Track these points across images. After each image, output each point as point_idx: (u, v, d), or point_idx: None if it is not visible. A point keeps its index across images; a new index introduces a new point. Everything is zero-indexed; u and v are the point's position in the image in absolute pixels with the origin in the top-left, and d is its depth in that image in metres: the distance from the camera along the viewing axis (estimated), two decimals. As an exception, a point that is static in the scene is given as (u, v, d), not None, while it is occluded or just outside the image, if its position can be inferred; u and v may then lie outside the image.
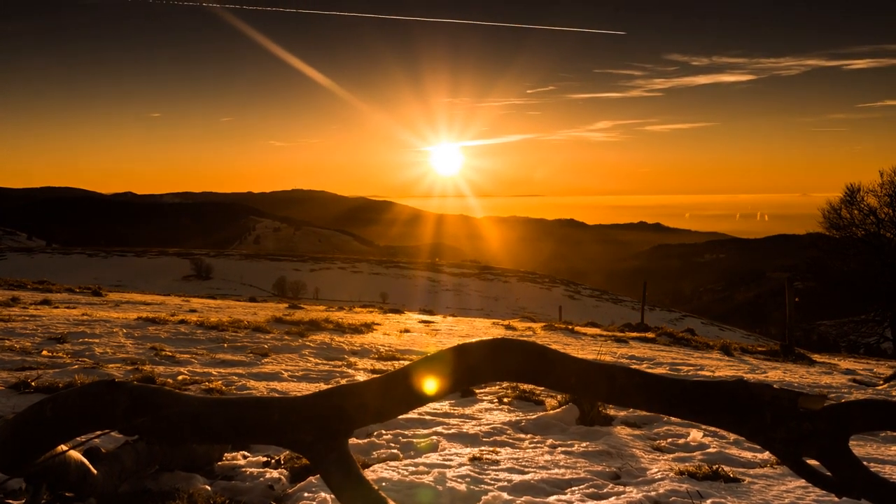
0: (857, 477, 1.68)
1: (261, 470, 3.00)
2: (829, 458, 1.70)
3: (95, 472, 2.52)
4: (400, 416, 3.93)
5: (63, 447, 2.30)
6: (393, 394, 1.79)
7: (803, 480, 1.96)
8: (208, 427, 1.84)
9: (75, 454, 2.48)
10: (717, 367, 7.94)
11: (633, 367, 7.83)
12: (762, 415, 1.72)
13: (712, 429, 3.98)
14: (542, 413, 4.23)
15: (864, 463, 3.53)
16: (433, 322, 11.72)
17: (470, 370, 1.81)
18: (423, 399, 1.80)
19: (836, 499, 1.75)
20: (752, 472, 3.25)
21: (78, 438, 2.99)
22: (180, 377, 4.69)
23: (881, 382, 7.60)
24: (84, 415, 2.03)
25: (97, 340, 6.06)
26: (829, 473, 1.74)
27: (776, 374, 7.73)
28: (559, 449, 3.48)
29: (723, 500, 2.78)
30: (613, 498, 2.76)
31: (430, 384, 1.74)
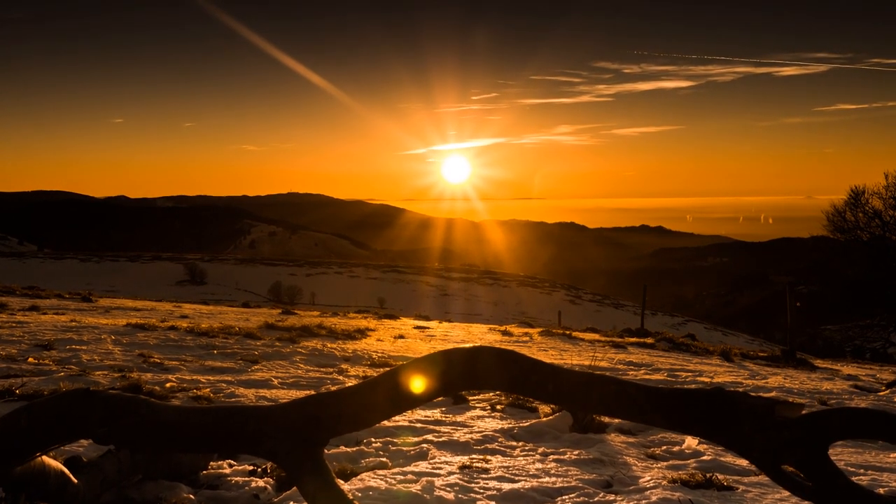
0: (837, 486, 1.65)
1: (246, 479, 2.95)
2: (808, 467, 1.67)
3: (76, 481, 2.47)
4: (390, 424, 3.90)
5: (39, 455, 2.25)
6: (368, 403, 1.75)
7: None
8: (184, 436, 1.80)
9: (55, 463, 2.43)
10: (716, 372, 7.90)
11: (630, 373, 7.75)
12: (740, 423, 1.69)
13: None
14: (535, 420, 4.19)
15: (862, 470, 3.51)
16: (429, 328, 11.66)
17: (448, 379, 1.77)
18: (400, 408, 1.76)
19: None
20: (746, 479, 3.21)
21: (63, 447, 2.94)
22: (168, 384, 4.62)
23: (883, 388, 7.55)
24: (59, 424, 1.98)
25: (85, 347, 5.98)
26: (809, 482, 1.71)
27: (776, 379, 7.69)
28: (551, 457, 3.44)
29: (716, 509, 2.73)
30: (605, 507, 2.71)
31: (406, 393, 1.70)
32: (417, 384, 1.73)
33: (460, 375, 1.77)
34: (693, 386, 6.47)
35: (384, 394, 1.76)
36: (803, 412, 1.72)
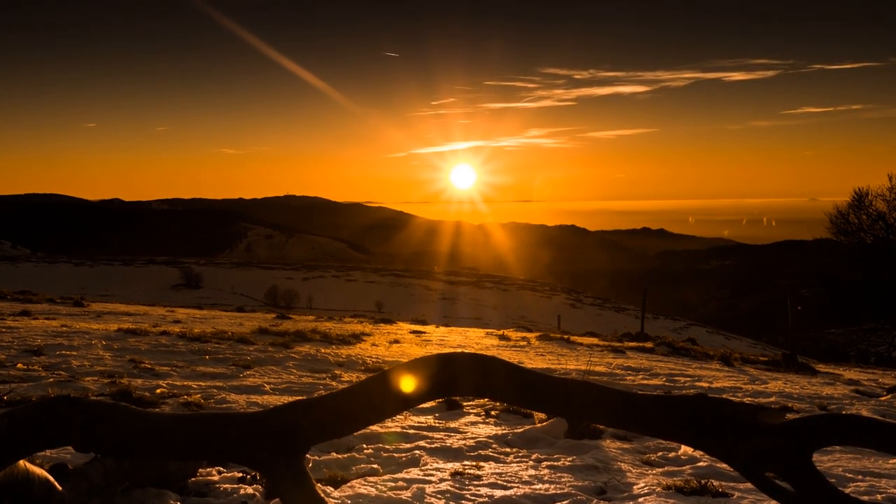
0: (820, 493, 1.63)
1: (235, 486, 2.90)
2: (792, 473, 1.65)
3: (60, 488, 2.43)
4: (382, 430, 3.86)
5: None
6: (349, 410, 1.72)
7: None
8: (165, 444, 1.76)
9: (39, 470, 2.40)
10: (716, 377, 7.86)
11: (628, 378, 7.68)
12: (722, 430, 1.67)
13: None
14: (529, 426, 4.15)
15: (860, 476, 3.49)
16: (425, 332, 11.60)
17: (430, 386, 1.74)
18: (382, 415, 1.73)
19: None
20: (741, 486, 3.18)
21: (47, 453, 2.90)
22: (158, 390, 4.57)
23: (884, 393, 7.50)
24: (40, 431, 1.94)
25: (75, 353, 5.92)
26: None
27: (776, 384, 7.64)
28: (544, 463, 3.40)
29: (710, 517, 2.70)
30: (598, 514, 2.67)
31: (387, 400, 1.67)
32: (399, 391, 1.70)
33: (442, 382, 1.74)
34: (691, 391, 6.43)
35: (366, 401, 1.73)
36: (787, 418, 1.70)
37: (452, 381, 1.74)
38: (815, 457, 4.00)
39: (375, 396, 1.71)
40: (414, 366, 1.78)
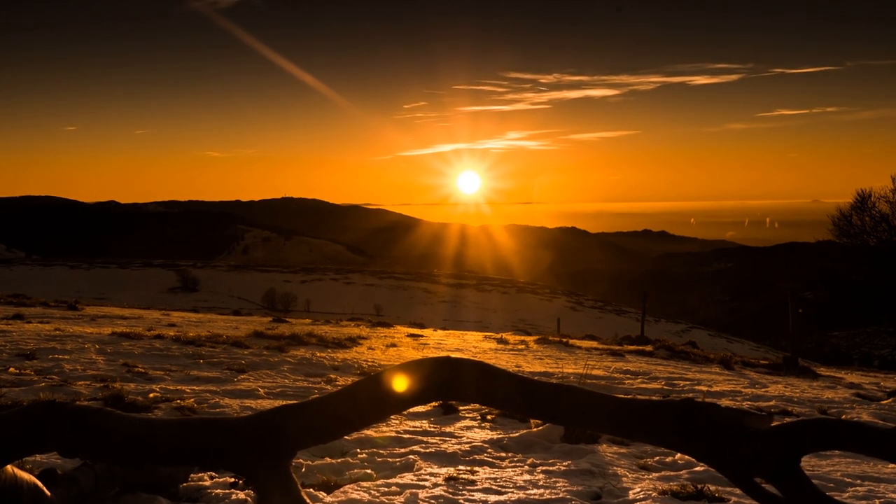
0: (808, 498, 1.62)
1: (227, 491, 2.88)
2: (780, 479, 1.64)
3: (49, 494, 2.41)
4: (376, 435, 3.84)
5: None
6: (337, 414, 1.70)
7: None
8: (151, 449, 1.74)
9: (28, 476, 2.37)
10: (715, 381, 7.84)
11: (627, 382, 7.64)
12: (710, 435, 1.66)
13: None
14: (525, 431, 4.12)
15: (859, 481, 3.47)
16: (423, 336, 11.58)
17: (419, 390, 1.72)
18: (369, 420, 1.71)
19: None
20: (738, 491, 3.15)
21: (38, 457, 2.87)
22: (151, 395, 4.53)
23: (885, 397, 7.48)
24: (25, 436, 1.92)
25: (67, 357, 5.87)
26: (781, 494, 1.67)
27: (777, 388, 7.62)
28: (539, 468, 3.37)
29: (707, 522, 2.68)
30: (594, 520, 2.65)
31: (375, 404, 1.65)
32: (388, 394, 1.68)
33: (431, 387, 1.72)
34: (690, 395, 6.41)
35: (353, 405, 1.71)
36: (774, 423, 1.69)
37: (444, 385, 1.72)
38: (814, 461, 3.99)
39: (364, 400, 1.69)
40: (404, 369, 1.77)
